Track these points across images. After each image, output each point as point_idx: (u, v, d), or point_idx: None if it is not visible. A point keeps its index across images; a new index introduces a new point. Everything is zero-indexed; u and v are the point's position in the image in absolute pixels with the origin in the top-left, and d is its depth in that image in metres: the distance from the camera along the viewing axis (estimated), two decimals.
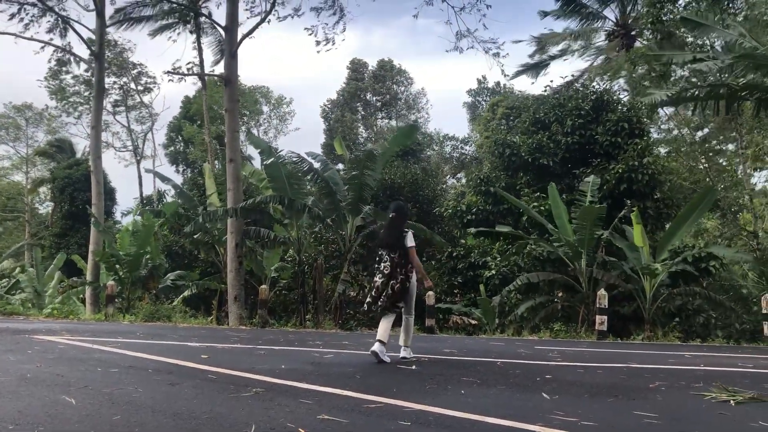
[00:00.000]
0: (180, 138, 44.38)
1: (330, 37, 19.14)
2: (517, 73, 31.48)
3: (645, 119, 18.80)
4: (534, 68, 31.31)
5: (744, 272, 18.44)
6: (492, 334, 15.10)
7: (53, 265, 26.01)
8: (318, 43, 19.12)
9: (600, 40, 30.90)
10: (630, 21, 27.91)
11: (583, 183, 16.45)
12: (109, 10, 22.63)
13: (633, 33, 26.87)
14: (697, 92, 13.96)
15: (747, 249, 19.84)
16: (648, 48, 22.31)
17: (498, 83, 49.00)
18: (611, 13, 29.92)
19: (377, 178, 17.82)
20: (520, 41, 31.18)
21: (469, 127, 49.71)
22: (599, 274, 14.92)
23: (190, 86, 47.58)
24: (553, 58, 31.78)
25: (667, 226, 16.60)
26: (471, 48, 19.31)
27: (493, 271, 17.42)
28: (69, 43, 21.56)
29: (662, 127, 24.57)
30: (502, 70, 41.32)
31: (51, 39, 21.18)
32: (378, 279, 7.30)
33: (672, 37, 21.45)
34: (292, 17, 19.34)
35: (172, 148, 44.77)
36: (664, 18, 21.56)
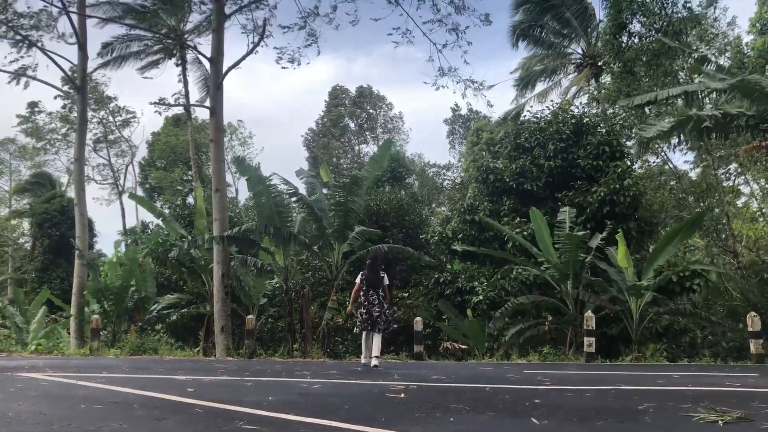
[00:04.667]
0: (149, 183, 44.24)
1: (296, 58, 19.18)
2: (506, 116, 31.98)
3: (624, 141, 19.14)
4: (515, 113, 31.81)
5: (727, 289, 18.62)
6: (481, 359, 15.05)
7: (35, 300, 25.66)
8: (280, 59, 19.05)
9: (570, 72, 31.67)
10: (596, 50, 28.62)
11: (560, 213, 16.55)
12: (93, 46, 22.69)
13: (600, 63, 27.52)
14: (674, 125, 14.21)
15: (730, 268, 20.09)
16: (613, 88, 22.95)
17: (471, 109, 49.78)
18: (578, 46, 30.82)
19: (362, 204, 17.87)
20: (498, 84, 31.78)
21: (449, 152, 50.36)
22: (586, 296, 14.99)
23: (159, 123, 47.59)
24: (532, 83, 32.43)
25: (651, 247, 16.77)
26: (454, 83, 19.31)
27: (481, 297, 17.43)
28: (36, 63, 21.15)
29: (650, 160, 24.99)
30: (488, 102, 41.96)
31: (27, 69, 20.99)
32: (365, 310, 10.45)
33: (633, 68, 22.07)
34: (269, 35, 19.30)
35: (147, 185, 44.70)
36: (623, 48, 22.24)
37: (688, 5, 22.77)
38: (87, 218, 21.83)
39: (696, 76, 17.80)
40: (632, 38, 22.74)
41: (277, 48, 19.16)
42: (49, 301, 25.20)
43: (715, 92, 13.77)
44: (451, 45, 18.81)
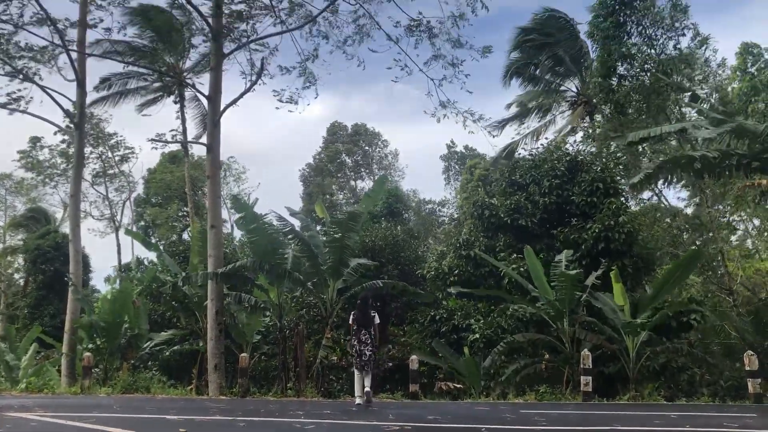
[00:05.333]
0: (144, 220, 44.24)
1: (294, 99, 19.44)
2: (505, 151, 32.28)
3: (618, 178, 19.31)
4: (509, 150, 32.14)
5: (723, 328, 18.56)
6: (477, 398, 14.88)
7: (26, 337, 25.36)
8: (280, 100, 19.32)
9: (564, 109, 32.10)
10: (589, 90, 29.10)
11: (558, 256, 16.52)
12: (92, 79, 22.83)
13: (594, 101, 27.99)
14: (669, 165, 14.36)
15: (726, 306, 20.06)
16: (606, 128, 23.32)
17: (467, 146, 50.19)
18: (572, 84, 31.32)
19: (358, 240, 17.86)
20: (496, 123, 32.08)
21: (445, 189, 50.66)
22: (582, 334, 14.92)
23: (155, 159, 47.80)
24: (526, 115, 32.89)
25: (646, 285, 16.78)
26: (453, 115, 19.57)
27: (477, 334, 17.30)
28: (31, 97, 21.02)
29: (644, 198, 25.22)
30: (489, 132, 42.31)
31: (22, 101, 21.02)
32: (358, 348, 11.12)
33: (624, 109, 22.44)
34: (271, 77, 19.56)
35: (142, 223, 44.68)
36: (613, 92, 22.66)
37: (678, 46, 23.27)
38: (81, 254, 21.76)
39: (689, 112, 18.10)
40: (622, 80, 23.17)
41: (275, 91, 19.37)
42: (39, 339, 24.93)
43: (706, 130, 13.95)
44: (449, 78, 19.16)
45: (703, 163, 13.46)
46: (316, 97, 22.41)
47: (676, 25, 22.92)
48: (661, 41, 23.05)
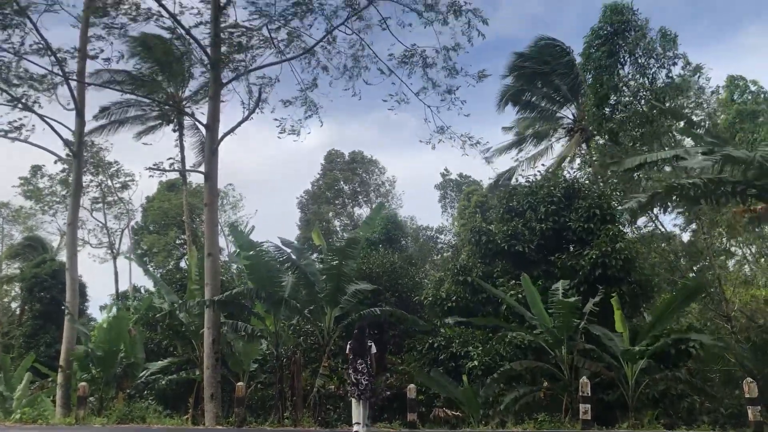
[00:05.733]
0: (141, 248, 44.21)
1: (296, 129, 19.58)
2: (502, 177, 32.48)
3: (616, 206, 19.40)
4: (506, 176, 32.36)
5: (722, 355, 18.49)
6: (476, 427, 14.75)
7: (21, 366, 25.12)
8: (283, 131, 19.50)
9: (561, 136, 32.37)
10: (584, 121, 29.39)
11: (552, 289, 16.48)
12: (91, 112, 22.90)
13: (591, 128, 28.25)
14: (664, 191, 14.44)
15: (724, 332, 20.01)
16: (602, 154, 23.55)
17: (461, 174, 50.46)
18: (568, 111, 31.65)
19: (355, 267, 17.85)
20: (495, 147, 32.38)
21: (442, 216, 50.85)
22: (580, 362, 14.86)
23: (153, 187, 48.03)
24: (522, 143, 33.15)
25: (645, 312, 16.76)
26: (449, 139, 19.71)
27: (476, 362, 17.20)
28: (33, 126, 20.99)
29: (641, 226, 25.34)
30: (486, 159, 42.45)
31: (22, 129, 21.07)
32: (355, 377, 11.42)
33: (617, 139, 22.68)
34: (272, 110, 19.73)
35: (140, 251, 44.65)
36: (607, 120, 22.94)
37: (670, 75, 23.61)
38: (78, 283, 21.67)
39: (683, 140, 18.24)
40: (616, 109, 23.44)
41: (277, 120, 19.49)
42: (34, 368, 24.70)
43: (699, 157, 14.06)
44: (446, 105, 19.33)
45: (698, 190, 13.54)
46: (321, 125, 22.17)
47: (668, 54, 23.27)
48: (653, 70, 23.39)
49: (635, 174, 20.59)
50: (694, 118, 22.97)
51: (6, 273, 45.92)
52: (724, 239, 24.46)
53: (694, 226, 24.37)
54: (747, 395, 13.03)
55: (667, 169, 20.37)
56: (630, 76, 23.51)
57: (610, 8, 24.08)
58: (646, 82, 23.34)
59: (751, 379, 13.20)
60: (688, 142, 17.97)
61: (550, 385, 15.67)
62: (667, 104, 22.64)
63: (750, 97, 24.35)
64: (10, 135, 20.62)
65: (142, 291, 28.71)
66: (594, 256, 17.63)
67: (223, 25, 18.54)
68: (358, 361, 11.62)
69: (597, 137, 24.91)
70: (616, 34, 23.65)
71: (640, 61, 23.48)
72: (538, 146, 33.15)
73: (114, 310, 22.16)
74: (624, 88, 23.28)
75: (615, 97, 23.64)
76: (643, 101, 22.73)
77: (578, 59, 27.10)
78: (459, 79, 19.17)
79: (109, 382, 18.84)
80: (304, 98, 19.54)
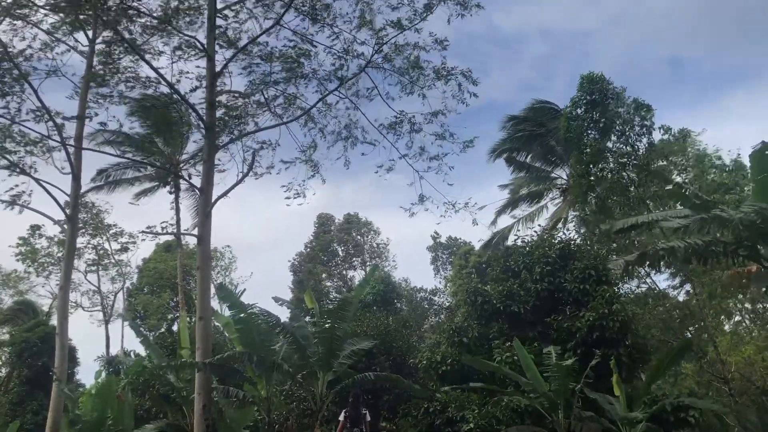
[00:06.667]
0: (136, 308, 43.92)
1: (301, 192, 19.53)
2: (496, 237, 32.63)
3: (611, 268, 19.36)
4: (500, 236, 32.56)
5: (723, 422, 18.12)
6: None
7: None
8: (288, 198, 19.49)
9: (556, 196, 32.73)
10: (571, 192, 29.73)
11: (545, 354, 16.28)
12: (88, 172, 23.02)
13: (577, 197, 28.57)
14: (652, 251, 14.50)
15: (723, 395, 19.66)
16: (587, 222, 23.81)
17: (450, 236, 50.73)
18: (562, 171, 32.06)
19: (348, 330, 17.65)
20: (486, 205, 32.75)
21: (435, 278, 50.79)
22: (578, 426, 14.55)
23: (150, 248, 48.04)
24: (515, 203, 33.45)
25: (642, 375, 16.51)
26: (434, 206, 19.53)
27: (471, 425, 16.79)
28: (31, 190, 21.05)
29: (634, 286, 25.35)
30: (473, 221, 42.53)
31: (21, 196, 21.11)
32: None
33: (604, 205, 22.95)
34: (270, 173, 19.69)
35: (133, 313, 44.26)
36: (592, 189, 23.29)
37: (650, 141, 24.06)
38: (68, 348, 21.37)
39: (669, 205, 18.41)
40: (601, 176, 23.78)
41: (284, 186, 19.23)
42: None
43: (684, 219, 14.19)
44: (434, 170, 19.34)
45: (688, 250, 13.57)
46: (323, 183, 21.49)
47: (645, 123, 23.81)
48: (633, 138, 23.89)
49: (625, 237, 20.70)
50: (679, 179, 23.33)
51: None
52: (716, 300, 24.30)
53: (688, 286, 24.31)
54: None
55: (656, 230, 20.52)
56: (612, 144, 24.00)
57: (587, 79, 24.79)
58: (628, 148, 23.80)
59: None
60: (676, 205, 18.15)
61: None
62: (654, 166, 22.99)
63: (716, 171, 25.00)
64: (16, 203, 20.69)
65: (132, 355, 28.23)
66: (591, 318, 17.45)
67: (218, 89, 18.90)
68: (354, 430, 12.07)
69: (582, 207, 25.13)
70: (595, 104, 24.24)
71: (619, 129, 24.01)
72: (533, 206, 33.46)
73: (103, 375, 21.79)
74: (608, 155, 23.69)
75: (599, 165, 24.01)
76: (628, 168, 23.11)
77: None
78: (447, 146, 19.23)
79: None
80: (304, 159, 19.62)
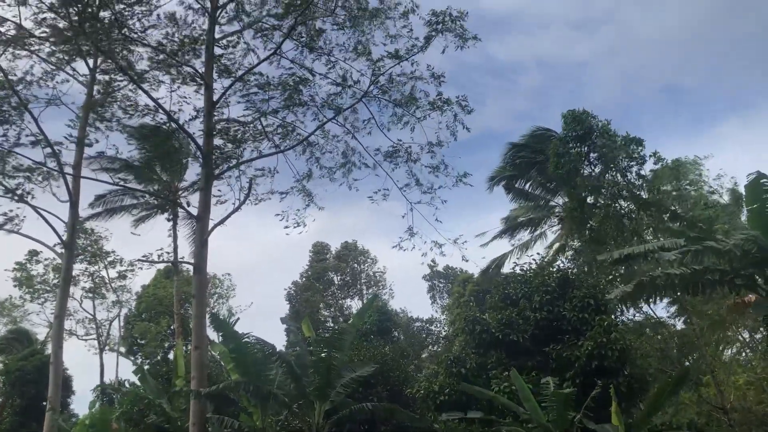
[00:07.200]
0: (132, 336, 43.58)
1: (300, 221, 19.42)
2: (494, 264, 32.54)
3: (608, 296, 19.30)
4: (497, 264, 32.51)
5: None
6: None
7: None
8: (288, 227, 19.41)
9: (554, 224, 32.67)
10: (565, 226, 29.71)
11: (543, 384, 16.10)
12: (85, 198, 22.79)
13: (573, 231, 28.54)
14: (648, 280, 14.46)
15: (723, 425, 19.42)
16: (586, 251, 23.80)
17: (447, 266, 50.52)
18: (561, 199, 32.03)
19: (345, 360, 17.50)
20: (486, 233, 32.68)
21: (432, 307, 50.44)
22: None
23: (149, 275, 47.71)
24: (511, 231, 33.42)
25: (641, 404, 16.35)
26: (423, 242, 19.15)
27: None
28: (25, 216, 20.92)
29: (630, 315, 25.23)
30: (463, 256, 42.46)
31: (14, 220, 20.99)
32: None
33: (598, 237, 22.97)
34: (270, 198, 19.62)
35: (130, 340, 43.88)
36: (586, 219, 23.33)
37: (641, 172, 24.14)
38: (62, 377, 21.10)
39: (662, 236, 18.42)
40: (595, 209, 23.80)
41: (279, 214, 19.19)
42: None
43: (677, 250, 14.21)
44: (426, 202, 19.15)
45: (683, 280, 13.54)
46: (321, 209, 21.31)
47: (635, 156, 23.87)
48: (623, 169, 23.94)
49: (622, 266, 20.64)
50: (674, 208, 23.38)
51: None
52: (717, 334, 24.14)
53: (686, 317, 24.18)
54: None
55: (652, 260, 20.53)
56: (604, 176, 24.04)
57: (569, 117, 24.85)
58: (621, 179, 23.84)
59: None
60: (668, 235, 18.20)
61: None
62: (648, 196, 23.04)
63: (710, 200, 25.06)
64: (4, 228, 20.58)
65: (127, 384, 27.93)
66: (590, 347, 17.33)
67: (216, 117, 19.00)
68: None
69: (580, 237, 25.09)
70: (583, 139, 24.30)
71: (609, 162, 24.03)
72: (531, 233, 33.37)
73: (97, 405, 21.57)
74: (602, 189, 23.74)
75: (591, 199, 24.02)
76: (621, 199, 23.17)
77: None
78: (441, 178, 19.13)
79: None
80: (299, 188, 19.63)
